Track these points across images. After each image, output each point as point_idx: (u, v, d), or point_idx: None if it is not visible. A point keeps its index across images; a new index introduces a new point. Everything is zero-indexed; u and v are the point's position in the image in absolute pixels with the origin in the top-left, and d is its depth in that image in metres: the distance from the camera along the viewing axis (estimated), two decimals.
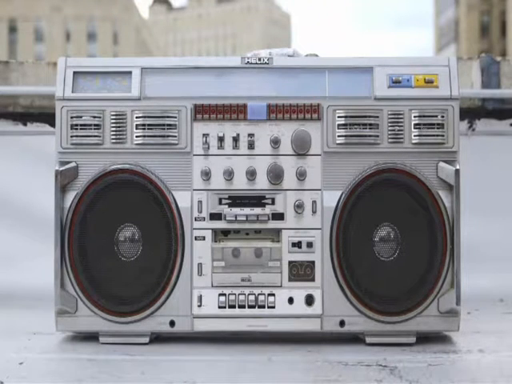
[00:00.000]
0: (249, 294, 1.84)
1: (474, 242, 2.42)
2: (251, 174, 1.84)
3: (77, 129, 1.86)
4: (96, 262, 1.83)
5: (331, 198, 1.84)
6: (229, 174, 1.84)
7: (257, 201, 1.85)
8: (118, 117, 1.86)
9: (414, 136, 1.85)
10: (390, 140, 1.85)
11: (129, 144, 1.86)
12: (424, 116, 1.85)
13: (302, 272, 1.84)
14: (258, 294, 1.84)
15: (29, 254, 2.63)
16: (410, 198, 1.83)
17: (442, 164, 1.84)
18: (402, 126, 1.85)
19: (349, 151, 1.84)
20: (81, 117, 1.86)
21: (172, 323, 1.84)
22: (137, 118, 1.86)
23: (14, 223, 2.70)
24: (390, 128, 1.85)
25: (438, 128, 1.85)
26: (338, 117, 1.84)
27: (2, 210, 2.71)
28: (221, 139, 1.85)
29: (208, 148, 1.85)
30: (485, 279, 2.25)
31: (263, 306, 1.83)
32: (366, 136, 1.84)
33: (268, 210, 1.85)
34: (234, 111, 1.85)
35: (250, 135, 1.85)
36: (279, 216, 1.84)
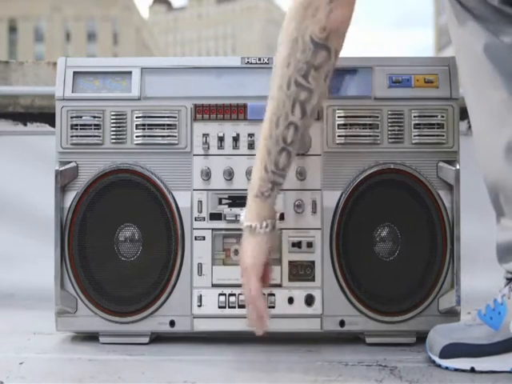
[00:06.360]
0: None
1: (474, 242, 2.42)
2: (251, 174, 1.84)
3: (77, 129, 1.86)
4: (96, 262, 1.83)
5: (331, 198, 1.84)
6: (229, 174, 1.84)
7: None
8: (118, 117, 1.86)
9: (414, 136, 1.85)
10: (390, 140, 1.85)
11: (129, 144, 1.86)
12: (424, 116, 1.85)
13: (301, 272, 1.84)
14: None
15: (28, 254, 2.63)
16: (410, 198, 1.83)
17: (442, 164, 1.84)
18: (401, 125, 1.85)
19: (349, 151, 1.84)
20: (81, 117, 1.86)
21: (172, 323, 1.84)
22: (137, 117, 1.86)
23: (13, 223, 2.69)
24: (389, 128, 1.85)
25: (438, 128, 1.85)
26: (338, 117, 1.84)
27: (1, 210, 2.70)
28: (221, 139, 1.85)
29: (208, 148, 1.85)
30: (485, 279, 2.25)
31: None
32: (365, 136, 1.84)
33: None
34: (234, 111, 1.85)
35: (250, 135, 1.85)
36: (279, 216, 1.84)
